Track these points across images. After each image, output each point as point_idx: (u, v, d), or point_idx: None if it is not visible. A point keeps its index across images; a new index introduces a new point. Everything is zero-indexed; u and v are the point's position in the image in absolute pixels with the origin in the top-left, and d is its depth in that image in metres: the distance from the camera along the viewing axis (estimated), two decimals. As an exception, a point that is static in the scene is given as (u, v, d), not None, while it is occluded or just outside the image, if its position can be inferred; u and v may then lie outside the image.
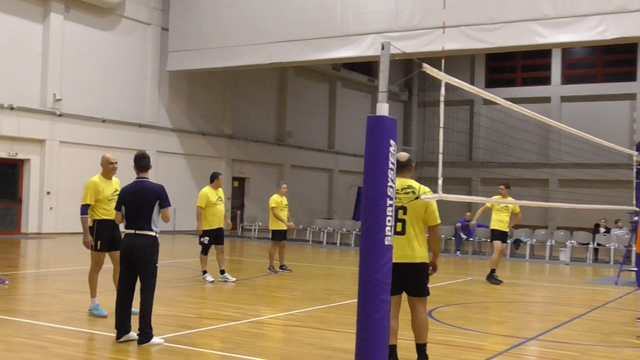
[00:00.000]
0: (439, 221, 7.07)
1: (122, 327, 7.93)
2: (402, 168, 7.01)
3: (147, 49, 28.82)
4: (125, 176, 9.73)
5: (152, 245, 7.94)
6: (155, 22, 28.87)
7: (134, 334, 7.86)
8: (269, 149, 34.95)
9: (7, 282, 11.95)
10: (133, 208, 7.98)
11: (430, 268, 7.06)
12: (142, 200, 7.94)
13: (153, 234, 7.95)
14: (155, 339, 7.82)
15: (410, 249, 6.87)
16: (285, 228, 15.65)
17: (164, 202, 7.99)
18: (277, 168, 35.77)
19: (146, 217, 7.91)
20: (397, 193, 6.75)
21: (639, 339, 9.38)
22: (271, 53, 25.22)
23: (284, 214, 15.63)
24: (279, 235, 15.68)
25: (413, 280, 6.92)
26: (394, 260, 6.79)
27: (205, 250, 13.62)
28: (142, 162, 8.17)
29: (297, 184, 36.18)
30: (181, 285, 13.01)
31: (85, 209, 9.30)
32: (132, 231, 7.96)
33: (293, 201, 35.62)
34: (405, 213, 6.89)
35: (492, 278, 15.28)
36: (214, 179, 13.71)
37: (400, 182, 6.93)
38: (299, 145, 36.68)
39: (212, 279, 13.52)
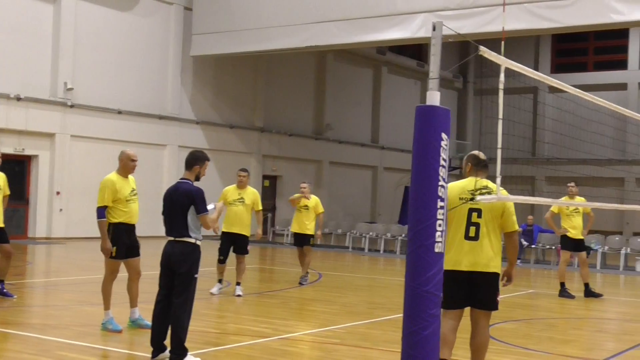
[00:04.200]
0: (517, 227, 7.09)
1: (158, 345, 7.94)
2: (483, 167, 7.09)
3: (169, 32, 29.06)
4: (141, 174, 9.82)
5: (191, 253, 7.96)
6: (177, 1, 29.09)
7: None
8: (305, 143, 35.01)
9: (15, 296, 12.09)
10: (169, 213, 8.06)
11: (505, 279, 7.09)
12: (176, 204, 7.99)
13: (192, 240, 7.97)
14: (190, 357, 7.84)
15: (484, 256, 6.89)
16: (308, 232, 15.69)
17: (199, 208, 7.98)
18: (315, 165, 35.82)
19: (182, 223, 7.95)
20: (473, 194, 6.78)
21: None
22: (308, 35, 25.26)
23: (301, 217, 15.73)
24: (297, 240, 15.95)
25: (483, 291, 6.94)
26: (464, 269, 6.87)
27: (219, 256, 13.44)
28: (186, 159, 8.22)
29: (336, 183, 36.21)
30: (204, 296, 13.10)
31: (102, 211, 9.35)
32: (171, 238, 8.03)
33: (332, 202, 35.88)
34: (480, 216, 6.92)
35: (563, 292, 15.15)
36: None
37: (478, 182, 6.99)
38: (339, 140, 36.69)
39: (216, 291, 13.29)
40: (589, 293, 15.17)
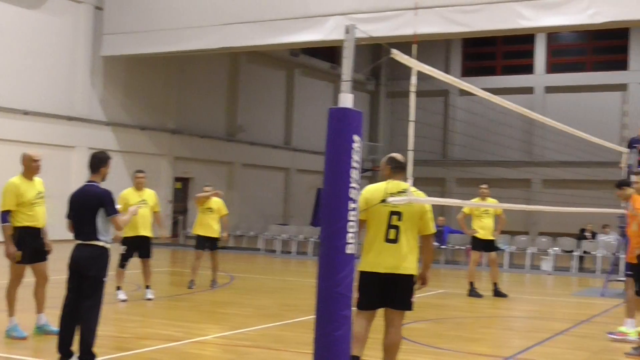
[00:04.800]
0: (434, 230, 7.20)
1: (65, 351, 7.76)
2: (401, 170, 7.08)
3: (78, 31, 28.46)
4: (49, 176, 9.59)
5: (100, 256, 7.82)
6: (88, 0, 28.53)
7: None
8: (217, 145, 34.79)
9: None
10: (77, 216, 7.91)
11: (420, 281, 7.17)
12: (85, 207, 7.85)
13: (101, 244, 7.83)
14: (99, 365, 7.70)
15: (403, 259, 6.94)
16: (214, 235, 15.46)
17: (109, 209, 7.87)
18: (227, 167, 35.64)
19: (91, 226, 7.81)
20: (392, 196, 6.81)
21: (628, 356, 9.53)
22: (221, 36, 25.08)
23: (207, 219, 15.45)
24: (199, 242, 15.54)
25: (399, 292, 7.00)
26: (382, 271, 6.91)
27: (123, 262, 13.06)
28: (91, 161, 8.07)
29: (249, 185, 36.10)
30: (114, 301, 12.85)
31: (5, 215, 9.13)
32: (79, 241, 7.86)
33: (244, 204, 35.77)
34: (400, 219, 6.95)
35: (472, 291, 15.44)
36: (133, 176, 13.38)
37: (395, 185, 7.02)
38: (252, 141, 36.58)
39: (125, 297, 12.96)
40: (497, 293, 15.49)
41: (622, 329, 10.71)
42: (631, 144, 16.53)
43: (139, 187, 13.29)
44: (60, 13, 27.89)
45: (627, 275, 10.83)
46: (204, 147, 33.93)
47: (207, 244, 15.41)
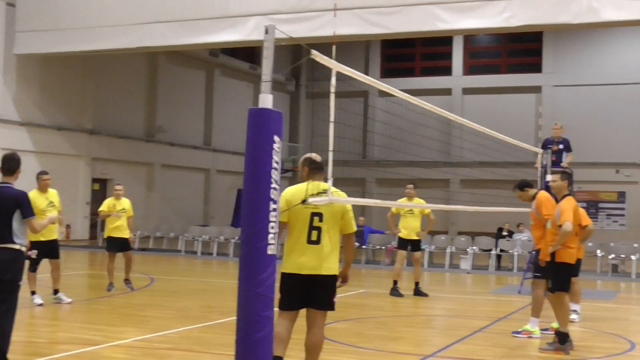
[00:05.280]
0: (355, 228, 7.26)
1: None
2: (319, 170, 7.14)
3: (-10, 28, 27.75)
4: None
5: (15, 260, 7.65)
6: (0, -4, 27.85)
7: None
8: (136, 145, 34.32)
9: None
10: None
11: (341, 279, 7.20)
12: (0, 209, 7.67)
13: (17, 247, 7.66)
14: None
15: (325, 260, 6.98)
16: (126, 236, 15.23)
17: (26, 211, 7.71)
18: (146, 168, 35.22)
19: (6, 228, 7.63)
20: (313, 197, 6.83)
21: (543, 351, 9.78)
22: (140, 36, 24.73)
23: (120, 220, 15.16)
24: (113, 244, 15.19)
25: (321, 293, 7.03)
26: (305, 272, 6.92)
27: (33, 266, 12.62)
28: (6, 164, 7.95)
29: (169, 185, 35.73)
30: (29, 305, 12.56)
31: None
32: None
33: (164, 205, 35.42)
34: (321, 220, 6.99)
35: (394, 290, 15.59)
36: (38, 179, 12.83)
37: (315, 185, 7.04)
38: (171, 142, 36.21)
39: (41, 302, 12.68)
40: (418, 292, 15.68)
41: (527, 327, 10.97)
42: (545, 145, 16.91)
43: (44, 189, 12.78)
44: (-29, 10, 27.13)
45: (535, 277, 11.06)
46: (123, 148, 33.41)
47: (119, 245, 15.18)
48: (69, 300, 13.07)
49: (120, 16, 24.87)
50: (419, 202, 15.72)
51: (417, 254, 16.03)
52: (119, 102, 33.52)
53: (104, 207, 15.25)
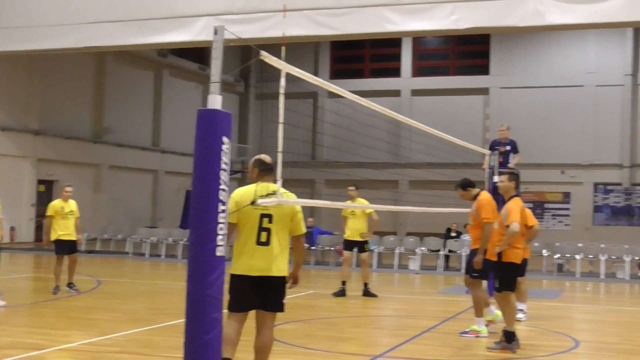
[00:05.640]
0: (305, 230, 7.26)
1: None
2: (269, 171, 7.13)
3: None
4: None
5: None
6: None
7: None
8: (83, 146, 33.89)
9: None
10: None
11: (291, 280, 7.22)
12: None
13: None
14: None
15: (274, 261, 6.97)
16: (74, 238, 15.05)
17: None
18: (93, 169, 34.80)
19: None
20: (262, 198, 6.82)
21: (490, 351, 9.88)
22: (87, 35, 24.43)
23: (69, 223, 15.08)
24: (63, 247, 14.98)
25: (271, 294, 7.02)
26: (255, 274, 6.91)
27: None
28: None
29: (116, 187, 35.36)
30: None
31: None
32: None
33: (112, 207, 35.03)
34: (270, 221, 6.97)
35: (340, 292, 15.65)
36: None
37: (265, 187, 7.02)
38: (119, 143, 35.84)
39: (3, 303, 12.61)
40: (367, 293, 15.74)
41: (474, 327, 11.09)
42: (493, 147, 17.09)
43: None
44: None
45: (473, 277, 11.17)
46: (70, 149, 32.95)
47: (68, 248, 14.98)
48: (3, 303, 12.84)
49: (67, 15, 24.51)
50: (362, 203, 15.75)
51: (364, 255, 16.09)
52: (65, 103, 33.05)
53: (50, 211, 15.00)
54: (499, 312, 10.90)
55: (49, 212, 15.01)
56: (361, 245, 15.95)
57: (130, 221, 33.81)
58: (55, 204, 15.06)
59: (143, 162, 37.66)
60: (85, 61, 33.70)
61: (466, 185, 11.48)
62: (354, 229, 15.81)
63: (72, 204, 15.09)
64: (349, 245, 15.96)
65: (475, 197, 11.26)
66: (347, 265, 16.09)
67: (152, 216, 38.28)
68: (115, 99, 35.80)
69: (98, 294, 15.25)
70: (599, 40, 36.45)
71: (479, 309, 11.12)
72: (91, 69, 34.66)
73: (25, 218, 30.82)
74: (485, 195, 11.30)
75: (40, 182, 31.85)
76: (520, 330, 10.54)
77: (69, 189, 15.26)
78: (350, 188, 15.80)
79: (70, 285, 15.06)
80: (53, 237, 15.01)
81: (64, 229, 14.88)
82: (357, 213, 15.71)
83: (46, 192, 32.11)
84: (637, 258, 23.10)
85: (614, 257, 23.26)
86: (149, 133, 38.60)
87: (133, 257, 26.27)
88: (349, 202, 15.58)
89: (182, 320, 6.11)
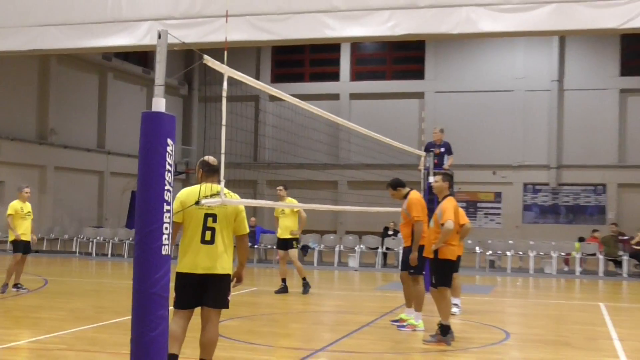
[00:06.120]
0: (248, 230, 7.29)
1: None
2: (214, 172, 7.13)
3: None
4: None
5: None
6: None
7: None
8: (28, 148, 33.25)
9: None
10: None
11: (235, 279, 7.24)
12: None
13: None
14: None
15: (219, 259, 6.98)
16: (29, 239, 14.93)
17: None
18: (39, 170, 34.16)
19: None
20: (207, 199, 6.81)
21: (426, 343, 10.00)
22: (30, 38, 23.95)
23: (27, 223, 14.89)
24: (22, 247, 14.82)
25: (216, 291, 7.02)
26: (200, 272, 6.90)
27: None
28: None
29: (62, 188, 34.78)
30: None
31: None
32: None
33: (57, 208, 34.44)
34: (215, 221, 6.99)
35: (282, 288, 15.68)
36: None
37: (209, 187, 7.02)
38: (64, 145, 35.25)
39: None
40: (305, 286, 15.73)
41: (412, 321, 11.22)
42: (428, 148, 17.31)
43: None
44: None
45: (411, 274, 11.29)
46: (14, 150, 32.26)
47: (26, 247, 14.79)
48: None
49: (10, 17, 23.99)
50: (291, 202, 15.72)
51: (291, 251, 15.93)
52: (9, 105, 32.36)
53: (11, 210, 14.78)
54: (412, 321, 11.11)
55: (10, 211, 14.79)
56: (290, 243, 15.95)
57: (77, 221, 33.36)
58: (15, 204, 14.86)
59: (88, 163, 37.10)
60: (29, 64, 33.07)
61: (396, 185, 11.62)
62: (284, 227, 15.84)
63: (29, 206, 14.92)
64: (282, 243, 15.95)
65: (405, 196, 11.40)
66: (283, 263, 16.08)
67: (98, 216, 37.75)
68: (60, 101, 35.19)
69: (44, 293, 15.01)
70: (527, 47, 37.04)
71: (418, 303, 11.24)
72: (35, 71, 34.01)
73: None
74: (415, 195, 11.43)
75: (-16, 183, 31.21)
76: (454, 323, 10.69)
77: (27, 189, 15.11)
78: (279, 188, 15.81)
79: (17, 285, 14.82)
80: (12, 237, 14.79)
81: (22, 229, 14.69)
82: (287, 212, 15.75)
83: (-9, 193, 31.48)
84: (563, 254, 23.60)
85: (542, 253, 23.74)
86: (95, 135, 38.04)
87: (80, 256, 25.94)
88: (289, 201, 15.60)
89: (127, 318, 6.07)
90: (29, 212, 14.86)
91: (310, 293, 15.67)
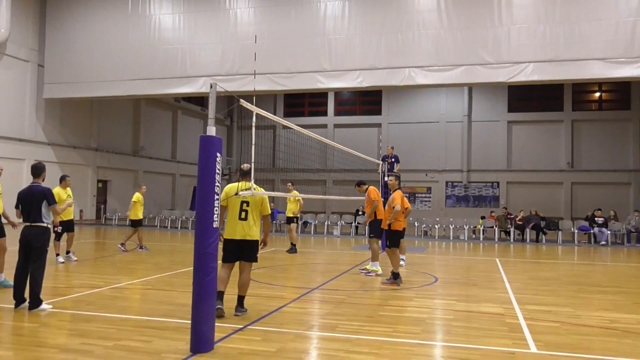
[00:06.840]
0: (269, 211, 7.27)
1: (19, 298, 7.24)
2: (246, 174, 7.14)
3: (26, 81, 26.23)
4: (7, 180, 8.85)
5: (44, 233, 7.37)
6: (32, 60, 26.37)
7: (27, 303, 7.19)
8: (126, 159, 33.13)
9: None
10: (26, 206, 7.42)
11: (262, 244, 7.20)
12: (32, 200, 7.38)
13: (45, 224, 7.38)
14: (44, 305, 7.19)
15: (250, 230, 6.97)
16: (140, 217, 15.00)
17: (50, 200, 7.44)
18: (133, 173, 34.03)
19: (37, 212, 7.33)
20: (242, 191, 6.83)
21: (384, 285, 10.00)
22: (128, 87, 23.99)
23: (141, 209, 15.00)
24: (137, 223, 15.06)
25: (248, 250, 7.00)
26: (238, 238, 6.89)
27: (58, 237, 12.14)
28: (33, 170, 7.63)
29: (148, 184, 34.31)
30: (55, 263, 11.98)
31: None
32: (28, 223, 7.37)
33: (145, 198, 34.08)
34: (247, 205, 7.00)
35: (292, 250, 15.61)
36: (61, 180, 12.12)
37: (244, 184, 7.03)
38: (150, 156, 35.14)
39: (63, 260, 12.24)
40: (292, 249, 15.61)
41: (373, 268, 11.22)
42: (384, 159, 17.32)
43: (65, 186, 12.08)
44: (13, 68, 25.62)
45: (371, 237, 11.37)
46: (117, 160, 32.00)
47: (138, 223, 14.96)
48: (76, 258, 12.54)
49: (115, 74, 24.06)
50: (295, 194, 15.69)
51: (292, 225, 15.92)
52: (114, 130, 32.20)
53: (135, 198, 15.04)
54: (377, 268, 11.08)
55: (134, 199, 14.87)
56: (291, 219, 15.93)
57: (158, 206, 33.23)
58: (137, 196, 14.98)
59: (165, 168, 36.96)
60: (127, 103, 33.01)
61: (360, 183, 11.95)
62: (289, 209, 15.96)
63: (70, 190, 13.92)
64: (289, 220, 16.01)
65: (366, 190, 11.58)
66: (291, 233, 16.05)
67: (172, 203, 37.64)
68: (147, 129, 35.06)
69: (136, 252, 14.95)
70: (448, 94, 37.03)
71: (375, 256, 11.28)
72: (131, 108, 33.90)
73: (89, 204, 30.01)
74: (372, 188, 11.66)
75: (99, 181, 31.07)
76: (402, 271, 10.69)
77: (144, 187, 15.63)
78: (288, 184, 16.02)
79: (141, 246, 14.97)
80: (133, 216, 14.84)
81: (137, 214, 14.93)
82: (292, 200, 15.83)
83: (103, 187, 31.36)
84: (472, 227, 23.60)
85: (458, 226, 23.72)
86: (169, 150, 37.91)
87: (160, 229, 25.81)
88: (289, 193, 15.59)
89: (190, 268, 6.04)
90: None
91: (308, 252, 15.61)
